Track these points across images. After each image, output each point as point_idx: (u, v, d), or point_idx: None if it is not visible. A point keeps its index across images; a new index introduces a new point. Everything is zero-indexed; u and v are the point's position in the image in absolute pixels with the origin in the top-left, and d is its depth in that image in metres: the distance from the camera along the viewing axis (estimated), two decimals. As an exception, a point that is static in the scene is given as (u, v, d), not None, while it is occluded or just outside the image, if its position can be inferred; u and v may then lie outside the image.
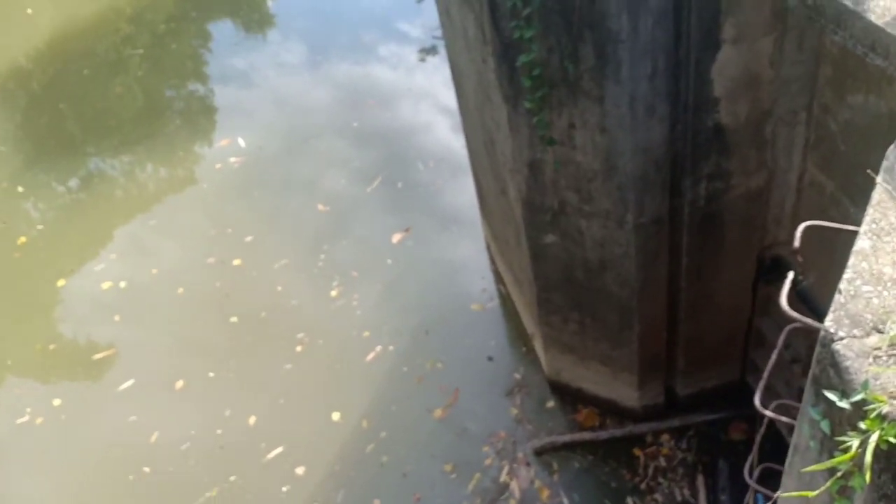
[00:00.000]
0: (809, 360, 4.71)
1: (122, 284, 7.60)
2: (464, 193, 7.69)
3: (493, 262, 7.09)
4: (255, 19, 12.24)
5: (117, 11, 11.68)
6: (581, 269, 4.99)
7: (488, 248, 7.17)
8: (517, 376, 6.23)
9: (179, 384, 6.62)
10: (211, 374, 6.66)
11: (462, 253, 7.35)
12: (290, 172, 8.58)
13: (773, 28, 3.75)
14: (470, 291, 6.96)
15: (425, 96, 9.35)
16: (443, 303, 6.86)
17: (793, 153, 4.33)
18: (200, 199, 8.52)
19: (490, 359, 6.39)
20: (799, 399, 3.95)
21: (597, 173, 4.38)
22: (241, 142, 9.09)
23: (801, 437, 1.90)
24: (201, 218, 8.22)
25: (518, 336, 6.47)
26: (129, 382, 6.69)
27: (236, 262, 7.63)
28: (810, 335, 4.31)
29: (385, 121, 9.06)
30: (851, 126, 3.68)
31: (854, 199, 3.83)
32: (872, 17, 2.52)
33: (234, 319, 7.08)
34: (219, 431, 6.21)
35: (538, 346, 6.02)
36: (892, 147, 2.08)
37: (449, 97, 9.08)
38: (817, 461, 1.73)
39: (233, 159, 8.90)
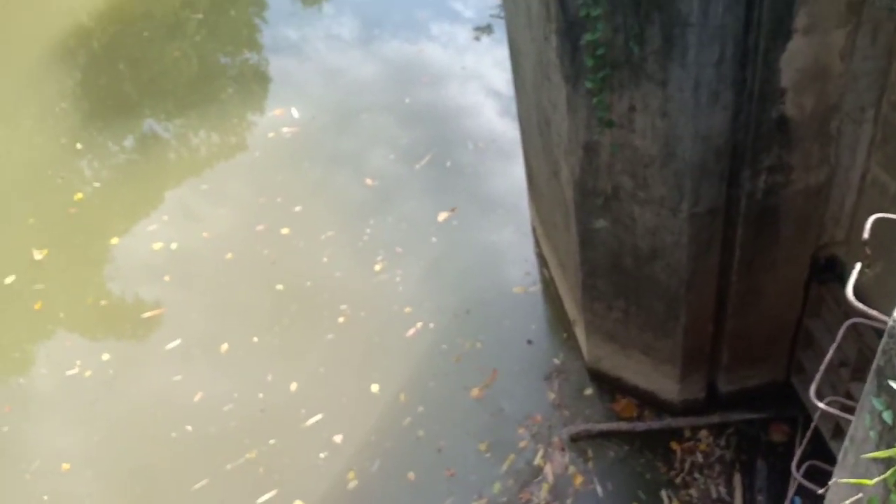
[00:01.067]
0: (858, 364, 4.61)
1: (173, 246, 7.80)
2: (511, 177, 7.68)
3: (538, 245, 7.07)
4: (313, -9, 12.33)
5: (178, -24, 11.89)
6: (630, 256, 4.95)
7: (534, 231, 7.15)
8: (556, 361, 6.23)
9: (224, 347, 6.78)
10: (255, 339, 6.80)
11: (507, 236, 7.34)
12: (340, 146, 8.67)
13: (847, 20, 3.64)
14: (513, 274, 6.97)
15: (475, 77, 9.33)
16: (485, 284, 6.88)
17: (857, 150, 4.21)
18: (251, 167, 8.67)
19: (530, 342, 6.39)
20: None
21: (654, 159, 4.32)
22: (295, 112, 9.21)
23: (860, 429, 1.87)
24: (252, 185, 8.37)
25: (559, 321, 6.46)
26: (176, 342, 6.88)
27: (284, 230, 7.76)
28: (861, 338, 4.22)
29: (435, 100, 9.08)
30: (925, 124, 3.56)
31: (921, 199, 3.72)
32: (962, 7, 2.43)
33: (279, 287, 7.21)
34: (260, 395, 6.35)
35: (579, 332, 6.00)
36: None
37: (499, 80, 9.06)
38: (877, 451, 1.71)
39: (285, 129, 9.02)
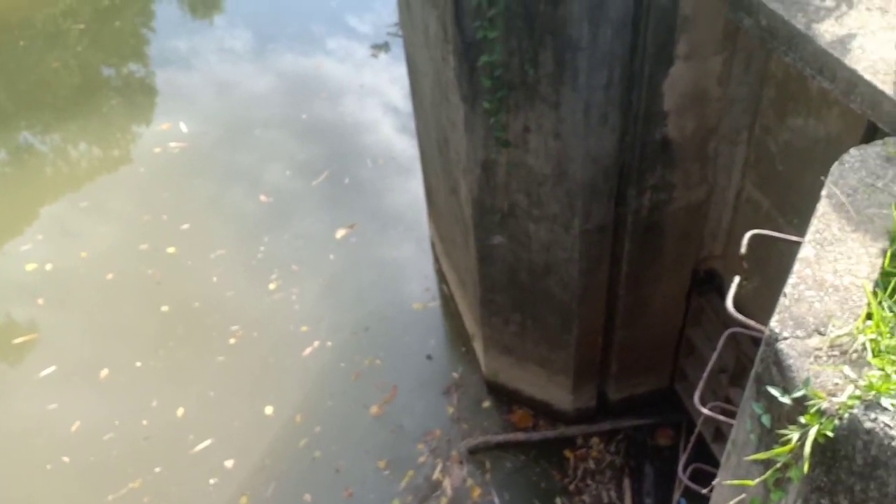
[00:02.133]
0: (736, 371, 4.90)
1: (48, 267, 7.27)
2: (410, 193, 7.70)
3: (437, 261, 7.11)
4: (202, 1, 11.97)
5: (59, -18, 11.22)
6: (526, 271, 5.07)
7: (433, 247, 7.19)
8: (455, 375, 6.27)
9: (104, 373, 6.37)
10: (138, 364, 6.43)
11: (406, 252, 7.34)
12: (232, 161, 8.40)
13: (723, 47, 3.91)
14: (412, 290, 6.97)
15: (373, 93, 9.32)
16: (384, 301, 6.84)
17: (733, 170, 4.52)
18: (136, 183, 8.24)
19: (429, 357, 6.40)
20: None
21: (547, 178, 4.46)
22: (184, 127, 8.85)
23: (741, 432, 1.98)
24: (136, 202, 7.95)
25: (458, 336, 6.51)
26: (51, 369, 6.40)
27: (170, 249, 7.41)
28: (739, 346, 4.50)
29: (332, 115, 8.99)
30: (790, 147, 3.87)
31: (787, 216, 4.03)
32: (822, 42, 2.67)
33: (164, 308, 6.87)
34: (144, 422, 6.00)
35: (478, 346, 6.07)
36: (836, 164, 2.20)
37: (397, 96, 9.10)
38: (757, 453, 1.81)
39: (173, 144, 8.65)
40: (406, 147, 8.31)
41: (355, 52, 10.09)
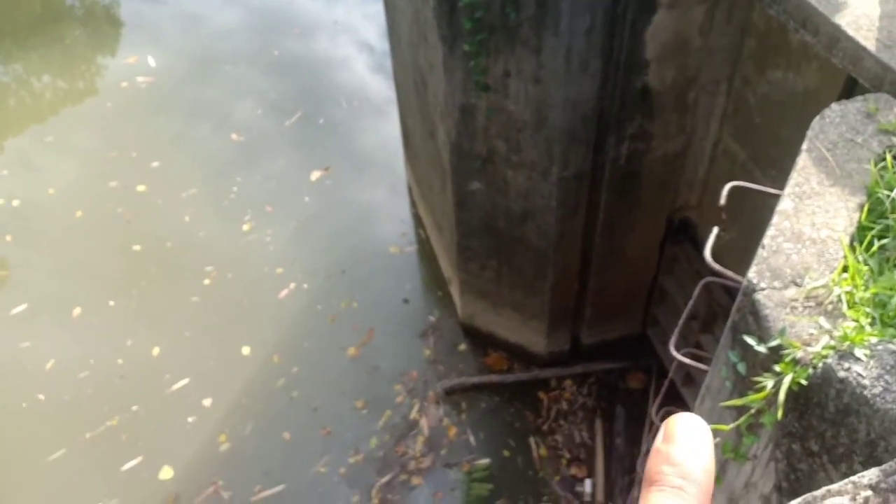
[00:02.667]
0: (707, 318, 5.03)
1: (15, 203, 7.10)
2: (386, 136, 7.61)
3: (413, 205, 7.10)
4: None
5: None
6: (503, 217, 5.10)
7: (410, 191, 7.16)
8: (431, 319, 6.35)
9: (77, 311, 6.32)
10: (111, 303, 6.39)
11: (382, 196, 7.31)
12: (202, 98, 8.18)
13: (707, -3, 3.88)
14: (388, 234, 6.97)
15: (347, 30, 9.07)
16: (360, 244, 6.84)
17: (711, 121, 4.55)
18: (103, 118, 8.01)
19: (406, 301, 6.46)
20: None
21: (527, 124, 4.44)
22: (151, 61, 8.56)
23: (716, 379, 2.07)
24: (103, 138, 7.74)
25: (435, 280, 6.57)
26: (22, 307, 6.32)
27: (140, 188, 7.27)
28: (711, 295, 4.62)
29: (304, 52, 8.75)
30: (768, 100, 3.90)
31: (763, 168, 4.09)
32: (808, -5, 2.67)
33: (136, 248, 6.79)
34: (119, 361, 6.00)
35: (454, 290, 6.14)
36: (816, 118, 2.23)
37: (371, 33, 8.88)
38: (730, 399, 1.90)
39: (140, 78, 8.38)
40: (381, 87, 8.17)
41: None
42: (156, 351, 6.09)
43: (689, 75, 4.26)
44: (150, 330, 6.22)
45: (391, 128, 7.29)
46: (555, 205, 4.81)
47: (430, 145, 5.54)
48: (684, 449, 0.40)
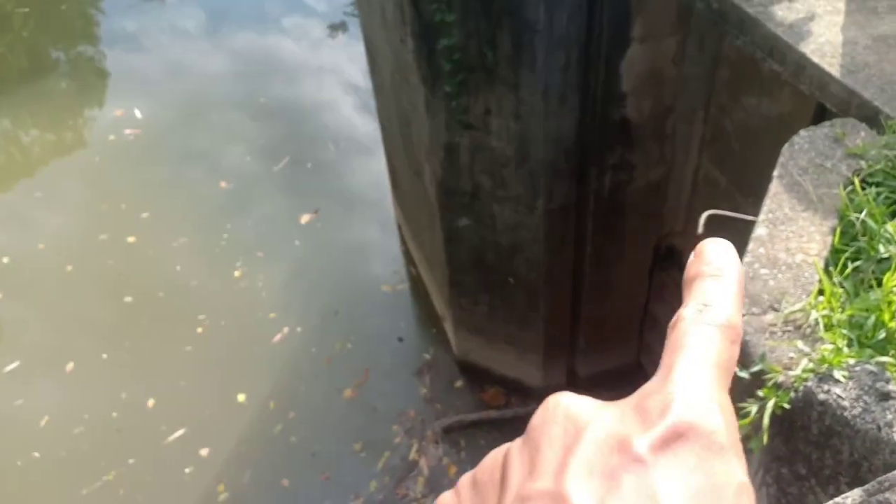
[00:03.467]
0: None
1: (6, 259, 7.11)
2: (373, 173, 7.67)
3: (404, 243, 7.14)
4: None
5: (-1, -37, 10.80)
6: (492, 252, 5.14)
7: (399, 229, 7.21)
8: (427, 357, 6.34)
9: (70, 366, 6.28)
10: (104, 356, 6.36)
11: (373, 234, 7.36)
12: (190, 147, 8.26)
13: (677, 29, 3.99)
14: (380, 273, 7.00)
15: (332, 72, 9.21)
16: (353, 284, 6.86)
17: (690, 149, 4.63)
18: (92, 171, 8.07)
19: (400, 339, 6.46)
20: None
21: (510, 159, 4.52)
22: (138, 113, 8.66)
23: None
24: (92, 191, 7.79)
25: (428, 317, 6.58)
26: (15, 364, 6.29)
27: (131, 239, 7.29)
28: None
29: (290, 96, 8.87)
30: (744, 126, 3.99)
31: (745, 193, 4.16)
32: (771, 26, 2.76)
33: (128, 299, 6.78)
34: (114, 415, 5.96)
35: (448, 327, 6.14)
36: (786, 145, 2.30)
37: (356, 74, 9.02)
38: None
39: (128, 131, 8.47)
40: (368, 126, 8.26)
41: (312, 31, 9.94)
42: (151, 402, 6.05)
43: (665, 105, 4.36)
44: (144, 381, 6.19)
45: (379, 165, 7.36)
46: (542, 237, 4.86)
47: (417, 183, 5.61)
48: (714, 254, 0.46)
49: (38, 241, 7.29)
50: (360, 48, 7.61)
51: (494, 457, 0.45)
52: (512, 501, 0.39)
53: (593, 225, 4.88)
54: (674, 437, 0.38)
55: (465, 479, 0.46)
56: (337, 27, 9.97)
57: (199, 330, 6.54)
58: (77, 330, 6.58)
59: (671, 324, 0.45)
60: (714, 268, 0.45)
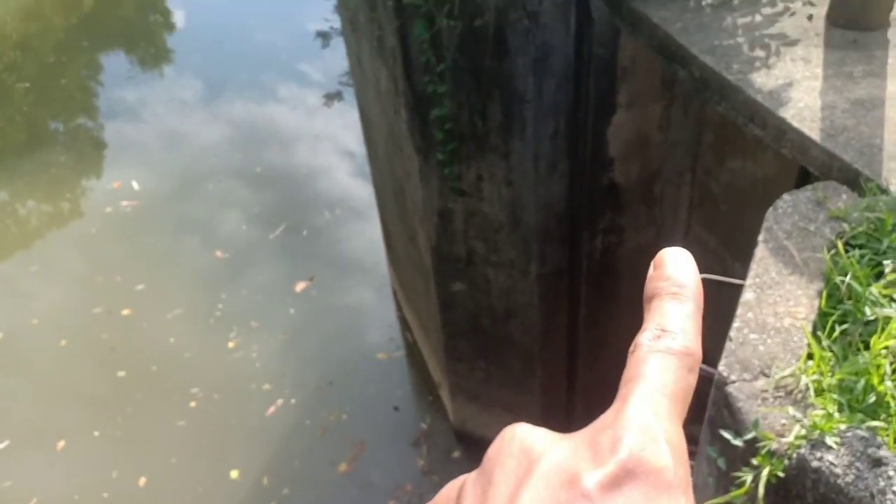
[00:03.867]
0: (695, 407, 5.06)
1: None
2: (369, 239, 7.71)
3: (399, 309, 7.12)
4: (151, 53, 12.00)
5: (2, 37, 11.13)
6: (487, 317, 5.12)
7: (395, 294, 7.20)
8: (423, 426, 6.23)
9: (61, 444, 6.16)
10: (96, 433, 6.24)
11: (368, 300, 7.34)
12: (186, 217, 8.33)
13: (662, 95, 4.09)
14: (376, 340, 6.94)
15: (327, 139, 9.36)
16: (348, 352, 6.80)
17: (679, 211, 4.69)
18: (88, 244, 8.10)
19: (396, 409, 6.36)
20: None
21: (503, 224, 4.55)
22: (135, 185, 8.76)
23: (700, 475, 2.04)
24: (88, 264, 7.81)
25: (425, 384, 6.49)
26: (4, 444, 6.16)
27: (125, 311, 7.27)
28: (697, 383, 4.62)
29: (286, 163, 9.00)
30: (731, 188, 4.04)
31: (734, 254, 4.18)
32: (751, 92, 2.83)
33: (121, 374, 6.71)
34: (105, 495, 5.80)
35: (444, 394, 6.06)
36: (770, 209, 2.32)
37: (351, 141, 9.18)
38: (715, 497, 1.87)
39: (125, 203, 8.55)
40: (362, 192, 8.34)
41: (308, 100, 10.17)
42: (142, 481, 5.90)
43: (652, 169, 4.43)
44: (135, 459, 6.05)
45: (375, 230, 7.40)
46: (537, 301, 4.86)
47: (412, 249, 5.63)
48: (673, 268, 0.47)
49: (33, 315, 7.26)
50: (355, 115, 7.79)
51: (450, 488, 0.45)
52: None
53: (586, 288, 4.89)
54: (622, 475, 0.38)
55: None
56: (332, 96, 10.21)
57: (193, 404, 6.44)
58: (69, 406, 6.48)
59: (630, 349, 0.45)
60: (672, 285, 0.46)
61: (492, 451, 0.44)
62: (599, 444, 0.40)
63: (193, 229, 8.16)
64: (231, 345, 6.90)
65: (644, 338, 0.45)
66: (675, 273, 0.46)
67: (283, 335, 6.97)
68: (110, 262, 7.78)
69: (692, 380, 0.44)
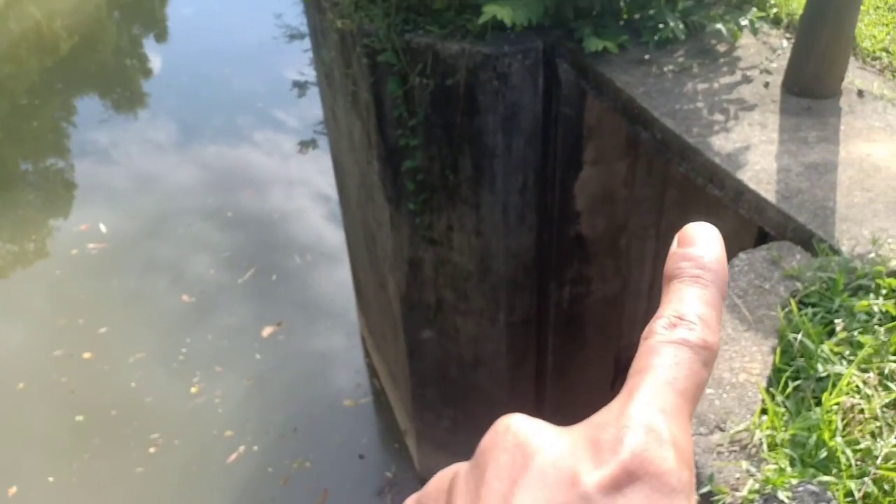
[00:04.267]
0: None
1: (-48, 377, 6.86)
2: (338, 283, 7.70)
3: (367, 355, 7.09)
4: (126, 97, 12.01)
5: (-27, 81, 11.08)
6: (455, 365, 5.14)
7: (363, 341, 7.18)
8: (388, 475, 6.15)
9: (13, 490, 5.94)
10: (50, 479, 6.04)
11: (336, 346, 7.29)
12: (154, 259, 8.25)
13: (626, 153, 4.24)
14: (343, 386, 6.89)
15: (301, 184, 9.37)
16: (314, 399, 6.72)
17: (644, 264, 4.80)
18: (52, 286, 7.96)
19: (361, 457, 6.28)
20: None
21: (472, 273, 4.62)
22: (103, 227, 8.68)
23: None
24: (51, 306, 7.66)
25: (391, 432, 6.43)
26: (-49, 489, 5.93)
27: (86, 355, 7.12)
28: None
29: (258, 208, 9.00)
30: (692, 242, 4.16)
31: (696, 306, 4.28)
32: (710, 155, 2.96)
33: (79, 418, 6.54)
34: (55, 544, 5.60)
35: (411, 442, 6.01)
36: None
37: (324, 184, 9.22)
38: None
39: (91, 245, 8.45)
40: (334, 236, 8.35)
41: (283, 145, 10.22)
42: (96, 530, 5.71)
43: (618, 223, 4.55)
44: (91, 506, 5.87)
45: (345, 275, 7.38)
46: (505, 350, 4.90)
47: (382, 296, 5.65)
48: (699, 245, 0.43)
49: (-10, 356, 7.08)
50: (329, 161, 7.84)
51: (441, 478, 0.43)
52: None
53: (554, 337, 4.95)
54: (624, 478, 0.36)
55: (411, 500, 0.43)
56: (307, 144, 10.25)
57: (152, 450, 6.29)
58: (24, 451, 6.28)
59: (644, 334, 0.42)
60: (695, 266, 0.42)
61: (485, 443, 0.41)
62: (600, 442, 0.37)
63: (161, 272, 8.08)
64: (194, 389, 6.78)
65: (658, 325, 0.41)
66: (700, 253, 0.42)
67: (248, 381, 6.88)
68: (74, 304, 7.65)
69: (706, 375, 0.40)
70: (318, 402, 6.71)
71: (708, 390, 1.95)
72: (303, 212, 8.91)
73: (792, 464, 1.66)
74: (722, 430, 1.82)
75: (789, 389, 1.89)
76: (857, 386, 1.83)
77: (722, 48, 3.78)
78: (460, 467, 0.42)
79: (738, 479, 1.68)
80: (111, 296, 7.77)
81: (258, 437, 6.37)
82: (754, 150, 3.10)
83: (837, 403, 1.81)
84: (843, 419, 1.80)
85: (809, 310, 2.16)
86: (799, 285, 2.27)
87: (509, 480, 0.37)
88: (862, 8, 4.00)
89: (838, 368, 1.90)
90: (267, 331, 7.37)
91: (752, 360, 2.02)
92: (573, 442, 0.38)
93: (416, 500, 0.43)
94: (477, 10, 3.44)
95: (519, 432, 0.40)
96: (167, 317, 7.54)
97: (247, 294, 7.82)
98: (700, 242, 0.43)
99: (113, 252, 8.35)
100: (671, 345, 0.40)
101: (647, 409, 0.38)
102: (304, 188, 9.30)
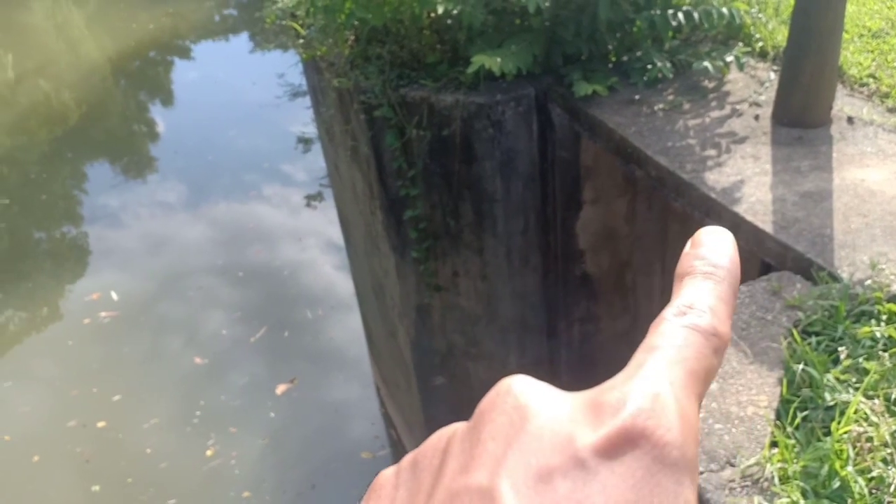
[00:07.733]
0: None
1: (-32, 452, 6.85)
2: (351, 332, 7.67)
3: (383, 405, 7.05)
4: (135, 161, 12.22)
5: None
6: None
7: (378, 391, 7.15)
8: (408, 528, 6.04)
9: (30, 564, 5.89)
10: (68, 551, 5.99)
11: (352, 396, 7.26)
12: (166, 323, 8.29)
13: (625, 191, 4.29)
14: (360, 438, 6.83)
15: (310, 235, 9.43)
16: (331, 454, 6.66)
17: (652, 299, 4.80)
18: (64, 356, 8.00)
19: (380, 511, 6.18)
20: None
21: (480, 317, 4.63)
22: (114, 295, 8.75)
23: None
24: (63, 377, 7.68)
25: (408, 484, 6.33)
26: (-32, 568, 5.88)
27: (101, 424, 7.11)
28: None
29: (269, 262, 9.06)
30: (697, 275, 4.17)
31: (707, 339, 4.27)
32: (705, 189, 3.00)
33: (95, 488, 6.50)
34: None
35: (429, 494, 5.93)
36: (729, 299, 2.43)
37: (334, 234, 9.24)
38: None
39: (103, 314, 8.51)
40: (346, 284, 8.32)
41: (291, 198, 10.31)
42: None
43: (622, 260, 4.57)
44: (109, 576, 5.79)
45: (355, 323, 7.35)
46: (518, 394, 4.87)
47: (393, 344, 5.66)
48: (711, 246, 0.42)
49: (5, 432, 7.07)
50: (335, 213, 7.93)
51: (439, 437, 0.41)
52: (443, 493, 0.36)
53: (567, 377, 4.92)
54: (622, 442, 0.33)
55: (408, 458, 0.42)
56: (314, 197, 10.41)
57: (170, 515, 6.23)
58: (40, 523, 6.24)
59: (653, 324, 0.41)
60: (707, 264, 0.42)
61: (484, 404, 0.40)
62: (602, 404, 0.36)
63: (173, 335, 8.11)
64: (209, 452, 6.74)
65: (668, 312, 0.40)
66: (711, 253, 0.42)
67: (264, 440, 6.83)
68: (87, 373, 7.67)
69: (716, 363, 0.39)
70: (335, 456, 6.65)
71: (716, 425, 1.95)
72: (313, 263, 8.97)
73: (805, 496, 1.65)
74: (732, 465, 1.82)
75: (798, 420, 1.89)
76: (866, 413, 1.82)
77: (710, 84, 3.85)
78: (459, 427, 0.41)
79: (751, 515, 1.67)
80: (124, 362, 7.80)
81: (276, 497, 6.31)
82: (749, 182, 3.13)
83: (847, 432, 1.81)
84: (854, 448, 1.79)
85: (813, 339, 2.16)
86: (801, 315, 2.28)
87: (504, 442, 0.36)
88: (846, 36, 4.09)
89: (845, 396, 1.90)
90: (281, 388, 7.35)
91: (759, 393, 2.02)
92: (574, 405, 0.37)
93: (412, 458, 0.42)
94: (468, 62, 3.54)
95: (520, 394, 0.39)
96: (180, 380, 7.54)
97: (260, 352, 7.83)
98: (713, 244, 0.43)
99: (124, 320, 8.40)
100: (682, 328, 0.39)
101: (656, 379, 0.36)
102: (313, 239, 9.38)
